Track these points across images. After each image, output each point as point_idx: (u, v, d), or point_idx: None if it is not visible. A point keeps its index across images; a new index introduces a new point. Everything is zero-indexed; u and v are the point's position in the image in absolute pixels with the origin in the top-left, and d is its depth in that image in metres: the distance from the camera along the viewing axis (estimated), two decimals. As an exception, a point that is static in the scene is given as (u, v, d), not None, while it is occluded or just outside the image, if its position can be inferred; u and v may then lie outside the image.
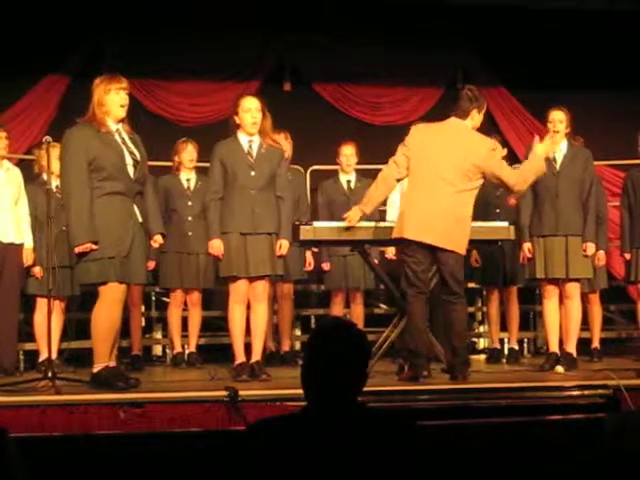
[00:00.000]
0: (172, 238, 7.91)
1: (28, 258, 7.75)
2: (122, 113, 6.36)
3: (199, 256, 8.27)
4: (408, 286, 6.81)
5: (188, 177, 8.46)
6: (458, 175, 6.73)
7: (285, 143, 8.15)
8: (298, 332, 9.68)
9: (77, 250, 6.17)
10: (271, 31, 10.61)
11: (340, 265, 8.58)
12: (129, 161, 6.31)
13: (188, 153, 8.41)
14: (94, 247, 6.14)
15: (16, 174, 7.83)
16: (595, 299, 8.67)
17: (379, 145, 9.99)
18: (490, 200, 8.54)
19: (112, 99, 6.31)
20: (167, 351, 9.15)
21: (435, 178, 6.70)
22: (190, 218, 8.36)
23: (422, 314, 6.82)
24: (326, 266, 8.64)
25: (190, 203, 8.38)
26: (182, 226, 8.32)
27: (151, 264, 7.42)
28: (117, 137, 6.33)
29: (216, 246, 6.88)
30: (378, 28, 10.52)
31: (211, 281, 8.35)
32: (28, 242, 7.76)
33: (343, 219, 7.14)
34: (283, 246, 6.94)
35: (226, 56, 10.55)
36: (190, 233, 8.32)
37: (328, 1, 9.75)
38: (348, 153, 8.64)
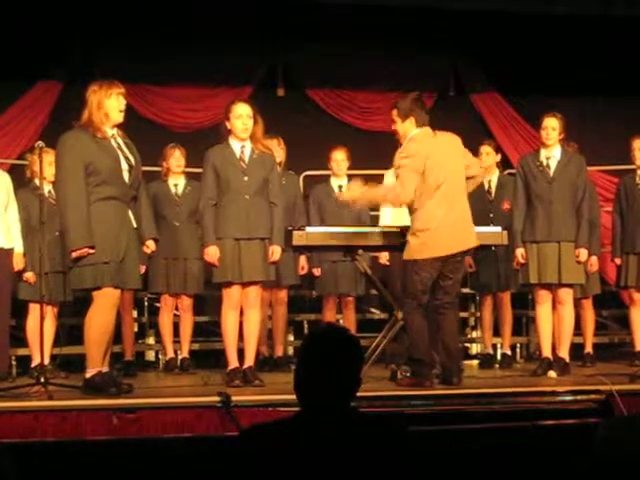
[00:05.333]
0: (160, 243, 7.90)
1: (18, 263, 7.74)
2: (120, 118, 6.36)
3: (187, 261, 8.29)
4: (412, 298, 6.77)
5: (176, 182, 8.46)
6: (463, 177, 6.89)
7: (278, 149, 8.15)
8: (291, 337, 9.67)
9: (74, 255, 6.16)
10: (264, 37, 10.61)
11: (331, 270, 8.57)
12: (124, 166, 6.31)
13: (176, 159, 8.41)
14: (91, 252, 6.14)
15: (5, 180, 7.81)
16: (588, 304, 8.67)
17: (372, 150, 10.04)
18: (484, 205, 8.55)
19: (112, 104, 6.31)
20: (160, 356, 9.14)
21: (452, 189, 6.75)
22: (178, 223, 8.36)
23: (423, 322, 6.80)
24: (317, 271, 8.63)
25: (178, 208, 8.39)
26: (170, 231, 8.31)
27: (142, 268, 7.41)
28: (113, 142, 6.33)
29: (211, 253, 6.86)
30: (371, 34, 10.52)
31: (200, 286, 8.36)
32: (18, 247, 7.74)
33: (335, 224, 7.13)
34: (275, 252, 6.93)
35: (219, 61, 10.55)
36: (178, 238, 8.32)
37: (321, 7, 9.74)
38: (339, 158, 8.64)
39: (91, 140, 6.24)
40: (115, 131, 6.38)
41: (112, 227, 6.22)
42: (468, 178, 6.96)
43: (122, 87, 6.40)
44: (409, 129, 6.87)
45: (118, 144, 6.36)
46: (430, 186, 6.69)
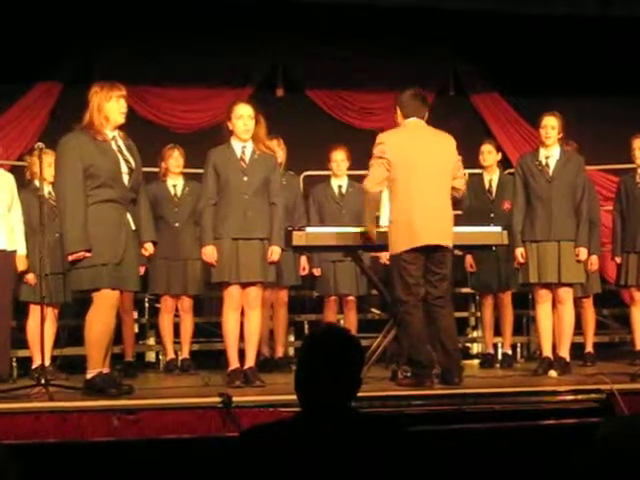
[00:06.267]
0: (160, 244, 7.92)
1: (21, 265, 7.74)
2: (121, 120, 6.36)
3: (187, 262, 8.28)
4: (408, 295, 6.79)
5: (175, 183, 8.46)
6: (445, 175, 6.90)
7: (278, 149, 8.17)
8: (292, 338, 9.67)
9: (71, 258, 6.17)
10: (264, 37, 10.61)
11: (330, 271, 8.58)
12: (124, 169, 6.31)
13: (174, 159, 8.40)
14: (88, 255, 6.14)
15: (9, 180, 7.80)
16: (588, 303, 8.67)
17: (371, 151, 10.01)
18: (484, 205, 8.56)
19: (112, 106, 6.31)
20: (160, 357, 9.14)
21: (428, 181, 6.74)
22: (177, 224, 8.36)
23: (423, 323, 6.82)
24: (317, 272, 8.64)
25: (177, 209, 8.39)
26: (170, 232, 8.31)
27: (141, 270, 7.41)
28: (113, 145, 6.33)
29: (209, 252, 6.87)
30: (370, 35, 10.53)
31: (200, 287, 8.36)
32: (21, 249, 7.73)
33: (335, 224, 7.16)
34: (274, 252, 6.93)
35: (218, 62, 10.56)
36: (178, 239, 8.32)
37: (321, 7, 9.74)
38: (339, 159, 8.64)
39: (91, 142, 6.24)
40: (116, 133, 6.38)
41: (110, 229, 6.22)
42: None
43: (123, 89, 6.40)
44: (399, 120, 7.02)
45: (119, 147, 6.35)
46: (403, 176, 6.75)
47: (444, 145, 6.98)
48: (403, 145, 6.81)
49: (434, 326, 6.86)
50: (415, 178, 6.74)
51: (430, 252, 6.78)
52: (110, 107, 6.31)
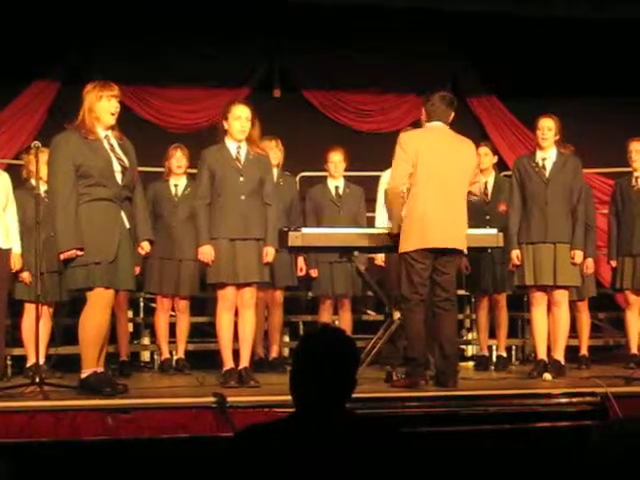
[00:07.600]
0: (158, 243, 7.92)
1: (16, 263, 7.73)
2: (112, 121, 6.35)
3: (184, 262, 8.28)
4: (413, 293, 6.76)
5: (176, 183, 8.46)
6: (463, 179, 6.91)
7: (276, 150, 8.18)
8: (287, 338, 9.67)
9: (62, 257, 6.18)
10: (262, 38, 10.61)
11: (327, 272, 8.57)
12: (117, 167, 6.29)
13: (176, 159, 8.41)
14: (79, 253, 6.13)
15: (4, 179, 7.80)
16: (583, 307, 8.68)
17: (368, 152, 10.04)
18: (480, 207, 8.55)
19: (103, 106, 6.30)
20: (155, 357, 9.13)
21: (445, 185, 6.76)
22: (175, 223, 8.35)
23: (423, 322, 6.81)
24: (314, 272, 8.64)
25: (176, 209, 8.38)
26: (168, 232, 8.31)
27: (136, 269, 7.40)
28: (105, 144, 6.31)
29: (206, 252, 6.86)
30: (368, 36, 10.53)
31: (195, 288, 8.36)
32: (16, 248, 7.73)
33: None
34: (269, 253, 6.93)
35: (216, 63, 10.55)
36: (174, 239, 8.31)
37: (319, 8, 9.74)
38: (336, 160, 8.64)
39: (82, 142, 6.23)
40: (109, 132, 6.37)
41: (104, 228, 6.21)
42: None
43: (116, 89, 6.38)
44: (423, 121, 7.09)
45: (111, 145, 6.34)
46: (422, 176, 6.73)
47: (465, 151, 6.99)
48: (424, 147, 6.81)
49: (436, 329, 6.86)
50: (433, 181, 6.73)
51: (440, 253, 6.79)
52: (100, 107, 6.30)
